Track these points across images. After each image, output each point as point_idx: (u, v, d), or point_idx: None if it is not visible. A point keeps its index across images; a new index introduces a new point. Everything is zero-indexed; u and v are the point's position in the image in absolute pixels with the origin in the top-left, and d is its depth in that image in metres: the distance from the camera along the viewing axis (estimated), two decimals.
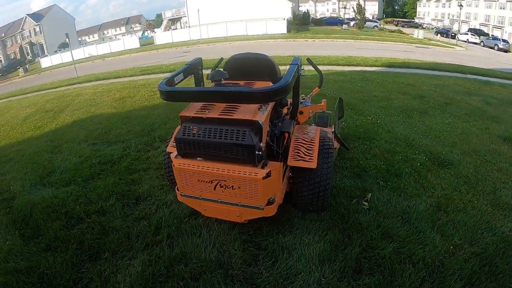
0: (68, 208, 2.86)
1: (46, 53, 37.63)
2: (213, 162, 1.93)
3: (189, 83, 2.85)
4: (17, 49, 43.69)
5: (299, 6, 41.11)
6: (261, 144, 1.83)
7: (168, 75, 2.43)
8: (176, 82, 2.20)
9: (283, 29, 26.17)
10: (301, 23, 31.70)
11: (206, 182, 1.98)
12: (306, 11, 37.59)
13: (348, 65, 10.77)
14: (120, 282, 2.01)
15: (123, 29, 64.02)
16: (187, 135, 1.91)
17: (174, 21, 44.99)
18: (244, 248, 2.15)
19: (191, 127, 1.91)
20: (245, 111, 1.83)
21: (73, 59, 16.09)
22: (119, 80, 11.50)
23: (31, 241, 2.50)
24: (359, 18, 30.83)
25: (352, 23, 33.69)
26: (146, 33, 48.76)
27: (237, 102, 1.84)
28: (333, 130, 3.09)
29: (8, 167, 4.01)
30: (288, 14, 29.56)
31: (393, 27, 38.91)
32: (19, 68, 30.75)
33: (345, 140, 3.88)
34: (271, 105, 2.04)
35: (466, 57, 18.13)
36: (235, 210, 2.02)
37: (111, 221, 2.62)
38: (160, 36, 31.73)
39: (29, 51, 43.44)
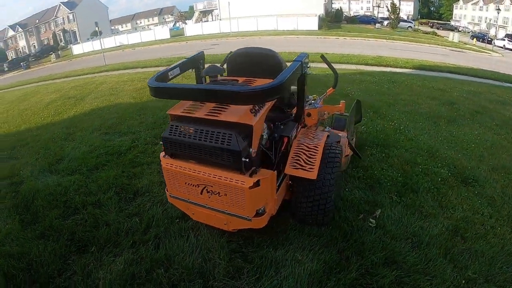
0: (68, 198, 2.92)
1: (78, 41, 39.61)
2: (200, 165, 1.83)
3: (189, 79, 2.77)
4: (51, 36, 46.17)
5: (332, 3, 40.56)
6: (251, 149, 1.69)
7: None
8: (170, 77, 2.10)
9: (314, 26, 25.81)
10: (333, 20, 31.35)
11: (193, 185, 1.90)
12: (339, 8, 37.17)
13: (378, 66, 10.35)
14: (100, 279, 2.00)
15: (155, 19, 65.96)
16: (173, 135, 1.82)
17: (205, 13, 45.59)
18: (230, 258, 2.05)
19: (178, 126, 1.82)
20: (233, 112, 1.69)
21: (102, 47, 16.85)
22: (144, 70, 11.84)
23: (28, 227, 2.58)
24: (392, 17, 29.55)
25: (385, 22, 33.44)
26: (177, 24, 49.88)
27: (220, 102, 1.72)
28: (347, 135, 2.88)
29: (23, 151, 4.22)
30: (321, 11, 29.19)
31: (427, 29, 37.74)
32: (51, 54, 32.73)
33: (362, 146, 3.64)
34: (267, 105, 1.88)
35: (502, 63, 16.86)
36: (222, 217, 1.92)
37: (105, 214, 2.63)
38: (191, 28, 32.32)
39: (62, 37, 45.75)
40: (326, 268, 1.96)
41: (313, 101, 2.86)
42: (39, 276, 2.09)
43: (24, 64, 29.90)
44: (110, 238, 2.36)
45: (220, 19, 31.45)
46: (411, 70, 10.07)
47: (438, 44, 21.65)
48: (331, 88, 3.24)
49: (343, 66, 9.97)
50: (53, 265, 2.17)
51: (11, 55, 47.31)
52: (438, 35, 31.05)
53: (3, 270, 2.15)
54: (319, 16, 27.39)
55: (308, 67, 2.17)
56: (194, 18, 45.35)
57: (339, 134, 2.95)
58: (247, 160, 1.65)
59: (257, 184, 1.69)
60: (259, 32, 25.63)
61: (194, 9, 48.23)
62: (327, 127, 3.37)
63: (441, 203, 2.70)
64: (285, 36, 21.60)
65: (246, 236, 2.20)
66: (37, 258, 2.23)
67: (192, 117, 1.76)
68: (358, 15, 41.81)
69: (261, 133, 1.83)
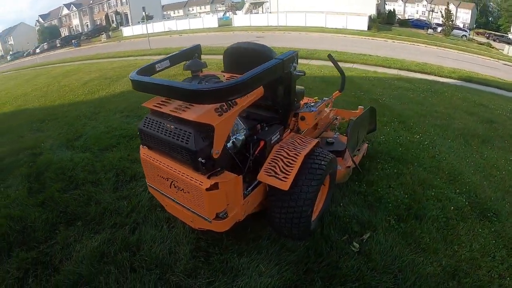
0: (74, 173, 3.20)
1: (129, 23, 42.01)
2: (169, 160, 1.87)
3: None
4: (103, 16, 49.59)
5: (385, 4, 38.86)
6: (214, 150, 1.67)
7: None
8: (158, 70, 2.15)
9: (364, 26, 24.97)
10: (384, 22, 30.29)
11: (164, 178, 1.94)
12: (392, 10, 35.74)
13: (421, 72, 9.62)
14: (76, 251, 2.20)
15: (207, 8, 67.90)
16: (146, 127, 1.88)
17: (256, 5, 45.71)
18: (193, 256, 2.10)
19: (150, 119, 1.87)
20: (196, 110, 1.66)
21: (147, 32, 18.23)
22: None
23: (33, 195, 2.90)
24: (446, 24, 27.88)
25: (439, 29, 31.63)
26: (227, 14, 50.78)
27: (178, 99, 1.73)
28: (345, 146, 2.70)
29: (50, 125, 4.69)
30: (372, 11, 28.35)
31: (483, 39, 34.08)
32: (102, 34, 35.05)
33: (374, 158, 3.43)
34: (240, 105, 1.77)
35: None
36: (189, 214, 1.95)
37: (99, 193, 2.84)
38: (239, 19, 32.75)
39: (114, 19, 48.75)
40: (286, 286, 1.88)
41: (313, 104, 2.72)
42: (29, 240, 2.35)
43: (75, 42, 32.77)
44: (96, 216, 2.55)
45: (270, 12, 31.38)
46: (455, 80, 9.21)
47: (491, 57, 19.79)
48: (337, 91, 3.06)
49: (383, 70, 9.49)
50: (42, 232, 2.43)
51: (64, 32, 51.97)
52: (492, 47, 28.66)
53: (1, 230, 2.42)
54: (370, 16, 26.60)
55: (294, 65, 2.02)
56: (244, 9, 45.75)
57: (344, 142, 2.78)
58: (204, 160, 1.63)
59: (215, 186, 1.67)
60: (306, 28, 25.25)
61: (245, 0, 48.56)
62: (336, 133, 3.21)
63: (446, 236, 2.42)
64: (332, 35, 21.14)
65: (217, 237, 2.21)
66: (32, 223, 2.51)
67: (160, 112, 1.79)
68: (411, 19, 39.48)
69: (228, 134, 1.78)
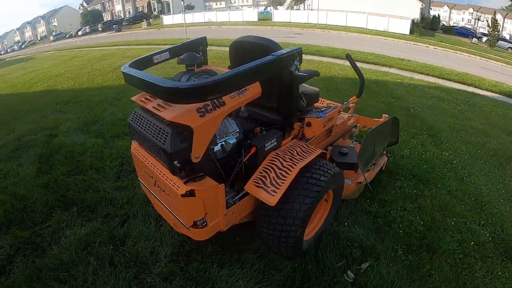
0: (82, 158, 3.30)
1: (170, 12, 42.52)
2: (153, 157, 1.81)
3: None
4: (146, 4, 50.81)
5: (430, 9, 37.06)
6: (193, 154, 1.54)
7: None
8: (156, 62, 2.07)
9: (406, 30, 24.06)
10: (428, 27, 29.09)
11: (149, 176, 1.88)
12: (436, 16, 34.29)
13: (460, 83, 8.85)
14: (65, 237, 2.24)
15: (250, 0, 67.76)
16: (133, 121, 1.83)
17: (298, 1, 44.83)
18: (172, 260, 2.03)
19: (137, 114, 1.80)
20: (176, 110, 1.51)
21: (184, 21, 18.96)
22: (217, 48, 12.37)
23: (40, 176, 3.01)
24: (491, 34, 26.20)
25: (484, 38, 29.37)
26: (268, 9, 50.37)
27: (154, 95, 1.64)
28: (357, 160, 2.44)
29: (72, 108, 4.90)
30: (416, 15, 26.91)
31: None
32: (143, 21, 35.84)
33: (393, 173, 3.15)
34: (229, 106, 1.60)
35: None
36: (171, 217, 1.87)
37: (100, 181, 2.88)
38: (279, 14, 32.49)
39: (156, 7, 49.67)
40: None
41: (323, 109, 2.48)
42: (27, 219, 2.45)
43: (116, 27, 34.03)
44: (91, 204, 2.59)
45: (311, 9, 30.71)
46: (497, 95, 8.33)
47: None
48: (354, 97, 2.78)
49: (421, 77, 8.85)
50: (40, 214, 2.52)
51: (106, 17, 54.17)
52: None
53: (4, 206, 2.53)
54: (413, 20, 25.39)
55: (295, 63, 1.80)
56: (285, 5, 45.15)
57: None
58: (180, 164, 1.53)
59: (191, 193, 1.57)
60: (346, 28, 24.56)
61: None
62: (354, 142, 2.95)
63: (460, 276, 2.11)
64: (371, 36, 20.36)
65: (201, 243, 2.11)
66: (32, 204, 2.61)
67: (145, 108, 1.71)
68: (456, 26, 37.08)
69: (214, 137, 1.64)
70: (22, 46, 46.64)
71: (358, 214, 2.52)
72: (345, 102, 2.81)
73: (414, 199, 2.77)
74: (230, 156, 1.80)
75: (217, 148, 1.72)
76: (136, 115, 1.81)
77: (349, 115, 3.12)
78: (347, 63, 10.55)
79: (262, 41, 1.99)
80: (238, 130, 1.85)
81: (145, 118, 1.72)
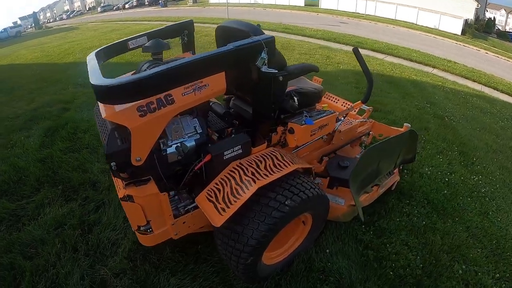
0: (82, 136, 3.36)
1: None
2: None
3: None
4: None
5: (486, 10, 33.50)
6: (132, 156, 1.35)
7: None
8: (130, 47, 1.87)
9: (457, 30, 22.55)
10: (482, 29, 26.98)
11: None
12: (492, 18, 31.36)
13: (509, 95, 7.66)
14: (44, 214, 2.29)
15: None
16: (95, 112, 1.74)
17: None
18: (129, 255, 1.95)
19: (97, 107, 1.67)
20: (116, 106, 1.31)
21: (227, 0, 18.47)
22: None
23: (42, 149, 3.10)
24: None
25: None
26: None
27: None
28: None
29: None
30: (470, 15, 24.75)
31: None
32: None
33: (404, 194, 2.66)
34: (179, 104, 1.34)
35: None
36: None
37: (91, 162, 2.99)
38: (327, 1, 30.95)
39: None
40: None
41: (316, 112, 2.08)
42: (18, 191, 2.56)
43: (162, 2, 33.75)
44: (75, 185, 2.64)
45: None
46: None
47: None
48: (359, 101, 2.38)
49: (465, 82, 7.83)
50: (31, 188, 2.63)
51: None
52: None
53: (3, 176, 2.70)
54: (466, 20, 23.68)
55: (263, 58, 1.45)
56: None
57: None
58: (116, 167, 1.39)
59: (129, 198, 1.45)
60: (395, 21, 23.33)
61: None
62: (363, 151, 2.56)
63: None
64: (420, 32, 18.95)
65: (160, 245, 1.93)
66: (26, 177, 2.67)
67: None
68: (511, 32, 32.75)
69: (155, 139, 1.40)
70: (70, 16, 49.41)
71: (346, 241, 2.13)
72: (330, 110, 2.31)
73: (422, 233, 2.30)
74: (187, 161, 1.58)
75: (170, 150, 1.51)
76: (97, 107, 1.68)
77: (361, 120, 2.70)
78: (388, 58, 9.90)
79: (243, 26, 1.71)
80: (200, 131, 1.61)
81: (99, 112, 1.59)
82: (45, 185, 2.59)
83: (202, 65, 1.33)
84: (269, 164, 1.58)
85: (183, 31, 2.08)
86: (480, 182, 3.09)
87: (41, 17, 60.51)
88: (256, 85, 1.55)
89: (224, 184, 1.51)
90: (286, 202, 1.49)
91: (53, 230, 2.13)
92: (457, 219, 2.50)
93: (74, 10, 56.85)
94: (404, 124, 2.61)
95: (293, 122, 1.91)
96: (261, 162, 1.59)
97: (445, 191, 2.80)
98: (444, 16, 23.07)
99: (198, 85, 1.35)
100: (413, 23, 23.39)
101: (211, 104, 1.97)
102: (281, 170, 1.54)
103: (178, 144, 1.52)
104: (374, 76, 6.31)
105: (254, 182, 1.45)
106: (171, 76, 1.25)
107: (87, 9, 57.18)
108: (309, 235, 1.90)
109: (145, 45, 1.69)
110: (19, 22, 39.24)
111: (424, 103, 5.07)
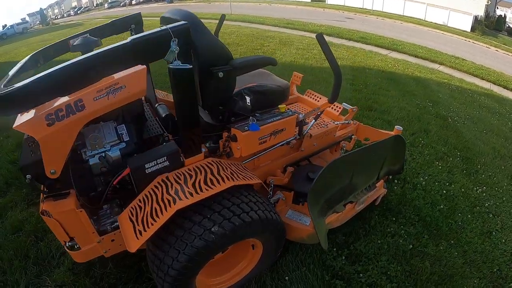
0: None
1: None
2: None
3: None
4: None
5: (496, 7, 32.97)
6: (46, 169, 1.18)
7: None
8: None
9: (467, 26, 22.43)
10: (492, 26, 26.63)
11: None
12: (502, 16, 30.80)
13: None
14: (5, 218, 2.20)
15: None
16: None
17: None
18: (73, 267, 1.82)
19: None
20: (26, 115, 1.17)
21: None
22: (257, 26, 12.01)
23: (16, 151, 3.09)
24: None
25: None
26: None
27: None
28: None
29: None
30: (480, 12, 24.62)
31: None
32: None
33: (391, 210, 2.32)
34: (91, 109, 1.17)
35: None
36: None
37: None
38: None
39: None
40: None
41: (265, 117, 1.70)
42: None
43: None
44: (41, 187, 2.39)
45: None
46: None
47: None
48: (325, 101, 1.90)
49: (473, 80, 7.48)
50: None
51: None
52: None
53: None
54: (476, 17, 23.53)
55: (173, 51, 1.19)
56: None
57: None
58: (30, 180, 1.24)
59: (46, 213, 1.30)
60: (402, 17, 23.16)
61: None
62: None
63: None
64: (428, 29, 18.73)
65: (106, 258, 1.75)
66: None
67: None
68: None
69: (68, 149, 1.22)
70: (78, 12, 49.50)
71: (310, 268, 1.81)
72: (288, 111, 1.85)
73: (407, 258, 1.95)
74: (118, 172, 1.36)
75: (93, 161, 1.34)
76: None
77: (342, 122, 2.39)
78: (392, 53, 9.53)
79: (179, 16, 1.50)
80: (127, 140, 1.40)
81: None
82: (12, 188, 2.53)
83: (97, 64, 1.12)
84: (200, 180, 1.33)
85: (130, 26, 1.87)
86: (484, 194, 2.71)
87: (50, 13, 60.82)
88: (172, 85, 1.26)
89: (146, 202, 1.30)
90: (213, 229, 1.24)
91: (10, 235, 2.05)
92: (452, 241, 2.13)
93: (82, 7, 57.28)
94: (395, 126, 2.21)
95: (237, 128, 1.58)
96: (191, 177, 1.35)
97: (442, 206, 2.44)
98: (453, 12, 22.99)
99: (112, 87, 1.19)
100: (421, 19, 23.26)
101: (156, 106, 1.76)
102: (210, 188, 1.29)
103: (102, 154, 1.35)
104: (373, 73, 6.09)
105: (174, 203, 1.22)
106: (61, 79, 1.06)
107: (95, 6, 57.63)
108: (262, 259, 1.65)
109: (73, 44, 1.39)
110: (27, 18, 39.37)
111: (426, 102, 4.75)
